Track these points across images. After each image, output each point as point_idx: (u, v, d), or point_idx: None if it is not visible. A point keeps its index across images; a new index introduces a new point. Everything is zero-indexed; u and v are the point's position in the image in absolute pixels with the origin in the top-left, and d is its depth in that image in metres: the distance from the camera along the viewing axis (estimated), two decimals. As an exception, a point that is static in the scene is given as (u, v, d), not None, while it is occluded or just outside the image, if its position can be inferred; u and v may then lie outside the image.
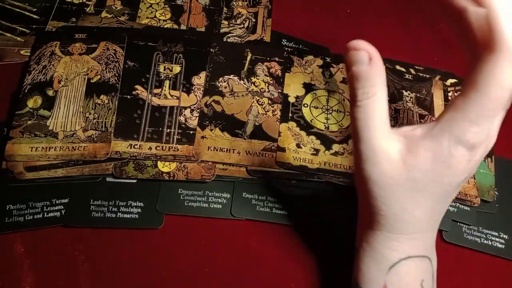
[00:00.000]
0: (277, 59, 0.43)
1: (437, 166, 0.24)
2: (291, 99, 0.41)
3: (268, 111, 0.40)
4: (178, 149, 0.37)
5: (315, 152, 0.38)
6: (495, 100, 0.22)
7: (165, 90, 0.40)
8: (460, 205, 0.38)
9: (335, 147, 0.39)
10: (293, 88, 0.41)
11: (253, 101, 0.40)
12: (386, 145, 0.24)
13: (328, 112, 0.41)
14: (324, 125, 0.40)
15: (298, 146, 0.38)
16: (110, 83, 0.39)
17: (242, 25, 0.46)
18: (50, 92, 0.38)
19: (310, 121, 0.40)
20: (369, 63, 0.23)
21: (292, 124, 0.39)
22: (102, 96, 0.39)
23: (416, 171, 0.24)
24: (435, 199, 0.25)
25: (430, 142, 0.24)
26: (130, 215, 0.36)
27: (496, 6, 0.21)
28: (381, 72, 0.24)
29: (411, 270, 0.27)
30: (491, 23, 0.21)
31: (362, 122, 0.24)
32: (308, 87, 0.42)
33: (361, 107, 0.24)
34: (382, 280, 0.27)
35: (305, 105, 0.41)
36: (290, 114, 0.40)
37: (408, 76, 0.44)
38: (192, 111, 0.39)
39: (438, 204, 0.26)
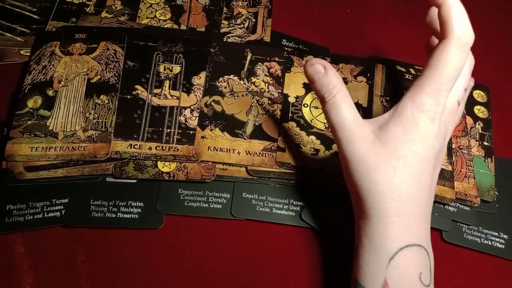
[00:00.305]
0: (277, 59, 0.43)
1: (408, 135, 0.27)
2: (291, 99, 0.41)
3: (268, 111, 0.40)
4: (178, 149, 0.37)
5: (315, 152, 0.38)
6: (445, 76, 0.27)
7: (165, 90, 0.40)
8: (460, 205, 0.39)
9: (335, 147, 0.39)
10: (293, 88, 0.41)
11: (253, 101, 0.40)
12: (360, 127, 0.29)
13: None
14: (324, 125, 0.40)
15: (298, 146, 0.38)
16: (110, 83, 0.39)
17: (242, 25, 0.46)
18: (50, 92, 0.38)
19: (310, 121, 0.40)
20: (325, 71, 0.29)
21: (292, 124, 0.39)
22: (102, 96, 0.39)
23: (391, 143, 0.28)
24: (414, 171, 0.28)
25: (397, 117, 0.28)
26: (130, 215, 0.36)
27: (450, 3, 0.27)
28: (336, 75, 0.29)
29: (410, 263, 0.27)
30: (445, 16, 0.27)
31: (334, 114, 0.29)
32: (308, 87, 0.42)
33: (330, 104, 0.29)
34: (383, 275, 0.27)
35: (305, 105, 0.41)
36: (290, 114, 0.40)
37: (408, 76, 0.44)
38: (192, 111, 0.39)
39: (420, 179, 0.28)
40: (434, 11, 0.32)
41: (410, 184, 0.27)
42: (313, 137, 0.39)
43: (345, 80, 0.42)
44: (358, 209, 0.29)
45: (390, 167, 0.27)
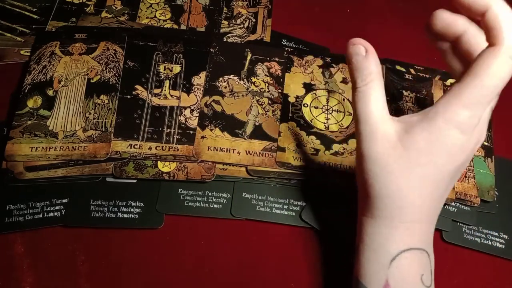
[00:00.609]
0: (277, 59, 0.43)
1: (432, 145, 0.25)
2: (291, 99, 0.41)
3: (268, 111, 0.40)
4: (178, 149, 0.37)
5: (315, 152, 0.38)
6: (489, 87, 0.24)
7: (165, 90, 0.40)
8: (460, 205, 0.38)
9: (335, 147, 0.39)
10: (293, 88, 0.41)
11: (253, 101, 0.40)
12: (384, 125, 0.26)
13: (328, 112, 0.41)
14: (324, 125, 0.40)
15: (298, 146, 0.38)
16: (110, 83, 0.39)
17: (242, 25, 0.46)
18: (50, 92, 0.38)
19: (310, 121, 0.40)
20: (366, 54, 0.27)
21: (292, 124, 0.39)
22: (102, 96, 0.39)
23: (412, 150, 0.26)
24: (430, 182, 0.26)
25: (426, 123, 0.26)
26: (130, 215, 0.36)
27: (499, 8, 0.24)
28: (376, 62, 0.27)
29: (411, 264, 0.27)
30: (493, 22, 0.24)
31: (362, 104, 0.27)
32: (308, 87, 0.42)
33: (360, 92, 0.27)
34: (384, 275, 0.27)
35: (305, 105, 0.41)
36: (290, 114, 0.40)
37: (408, 76, 0.44)
38: (192, 111, 0.39)
39: (433, 190, 0.27)
40: (444, 15, 0.28)
41: (422, 194, 0.26)
42: (313, 137, 0.39)
43: (346, 80, 0.42)
44: (364, 207, 0.29)
45: (405, 174, 0.26)
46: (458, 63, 0.30)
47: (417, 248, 0.27)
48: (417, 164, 0.26)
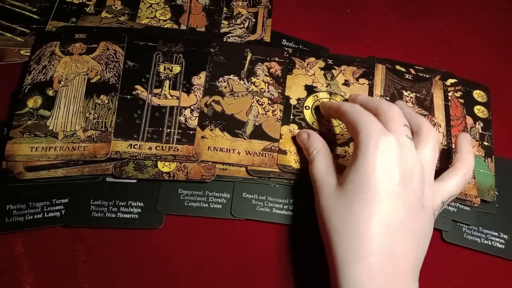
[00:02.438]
0: (277, 59, 0.43)
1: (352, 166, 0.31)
2: (293, 102, 0.41)
3: (268, 111, 0.40)
4: (178, 149, 0.37)
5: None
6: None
7: (165, 90, 0.40)
8: (460, 205, 0.39)
9: (337, 150, 0.39)
10: (294, 90, 0.41)
11: (253, 101, 0.40)
12: (328, 178, 0.33)
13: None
14: (326, 127, 0.40)
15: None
16: (110, 83, 0.39)
17: (242, 25, 0.46)
18: (50, 92, 0.38)
19: (312, 123, 0.40)
20: (308, 137, 0.37)
21: (293, 126, 0.39)
22: (102, 96, 0.39)
23: (345, 187, 0.31)
24: (365, 210, 0.29)
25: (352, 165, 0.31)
26: (130, 215, 0.36)
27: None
28: (317, 139, 0.36)
29: None
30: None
31: (312, 167, 0.35)
32: (310, 89, 0.42)
33: (311, 160, 0.35)
34: None
35: (307, 108, 0.41)
36: (291, 117, 0.40)
37: (408, 76, 0.44)
38: (192, 111, 0.39)
39: (376, 226, 0.29)
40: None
41: (374, 228, 0.28)
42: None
43: (347, 83, 0.42)
44: (332, 255, 0.30)
45: (347, 206, 0.30)
46: None
47: None
48: (352, 195, 0.30)
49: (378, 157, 0.29)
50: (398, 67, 0.45)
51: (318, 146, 0.36)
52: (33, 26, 0.43)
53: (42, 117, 0.37)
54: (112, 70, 0.40)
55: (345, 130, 0.40)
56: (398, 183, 0.29)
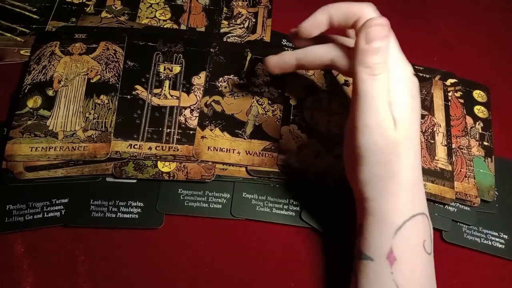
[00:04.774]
0: (277, 59, 0.43)
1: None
2: (293, 102, 0.41)
3: (268, 111, 0.40)
4: (178, 149, 0.37)
5: (316, 155, 0.38)
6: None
7: (165, 90, 0.40)
8: (460, 205, 0.39)
9: (337, 150, 0.39)
10: (294, 90, 0.41)
11: (253, 101, 0.40)
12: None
13: (330, 115, 0.41)
14: (325, 128, 0.40)
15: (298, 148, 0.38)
16: (110, 83, 0.39)
17: (242, 25, 0.46)
18: (50, 92, 0.38)
19: (312, 124, 0.40)
20: (386, 38, 0.28)
21: (293, 126, 0.39)
22: (102, 96, 0.39)
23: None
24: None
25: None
26: (130, 215, 0.36)
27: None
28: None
29: (414, 232, 0.28)
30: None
31: (373, 92, 0.27)
32: (310, 90, 0.41)
33: (374, 79, 0.27)
34: (389, 244, 0.28)
35: (307, 108, 0.41)
36: (291, 117, 0.40)
37: (408, 76, 0.44)
38: (192, 111, 0.39)
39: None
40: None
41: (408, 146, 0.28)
42: (314, 140, 0.39)
43: (347, 83, 0.42)
44: (362, 191, 0.29)
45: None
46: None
47: (419, 213, 0.28)
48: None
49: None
50: (398, 67, 0.45)
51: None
52: (33, 26, 0.43)
53: (42, 117, 0.37)
54: (112, 70, 0.40)
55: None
56: None
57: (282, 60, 0.33)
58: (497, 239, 0.38)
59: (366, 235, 0.29)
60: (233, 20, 0.46)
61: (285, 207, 0.37)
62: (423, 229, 0.28)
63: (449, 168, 0.39)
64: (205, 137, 0.38)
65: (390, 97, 0.27)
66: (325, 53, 0.31)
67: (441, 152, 0.40)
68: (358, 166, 0.28)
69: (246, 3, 0.48)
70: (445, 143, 0.40)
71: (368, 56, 0.27)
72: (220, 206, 0.37)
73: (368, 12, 0.29)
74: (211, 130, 0.38)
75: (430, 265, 0.29)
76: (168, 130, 0.38)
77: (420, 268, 0.28)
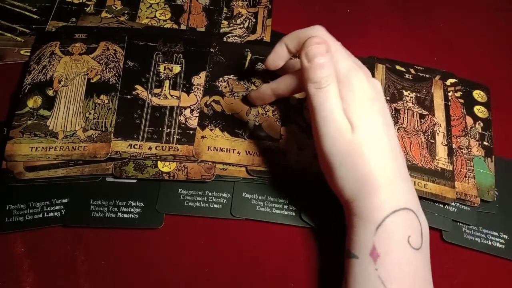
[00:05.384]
0: (277, 59, 0.43)
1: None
2: (293, 102, 0.41)
3: (268, 111, 0.40)
4: (178, 149, 0.37)
5: (316, 155, 0.38)
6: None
7: (165, 90, 0.40)
8: (460, 205, 0.39)
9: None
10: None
11: (253, 101, 0.40)
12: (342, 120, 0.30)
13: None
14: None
15: (299, 149, 0.38)
16: (110, 83, 0.39)
17: (242, 25, 0.46)
18: (50, 92, 0.38)
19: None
20: (327, 53, 0.30)
21: (293, 126, 0.39)
22: (102, 96, 0.39)
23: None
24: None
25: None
26: (130, 215, 0.36)
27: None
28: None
29: (396, 227, 0.28)
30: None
31: (325, 104, 0.30)
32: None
33: (323, 91, 0.29)
34: (371, 242, 0.28)
35: (307, 108, 0.41)
36: (291, 117, 0.40)
37: (408, 76, 0.44)
38: (192, 111, 0.39)
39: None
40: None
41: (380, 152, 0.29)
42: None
43: None
44: (345, 194, 0.30)
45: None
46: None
47: (402, 208, 0.28)
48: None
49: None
50: (398, 67, 0.45)
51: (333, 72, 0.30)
52: (33, 26, 0.43)
53: (42, 117, 0.37)
54: (112, 70, 0.40)
55: None
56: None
57: (260, 93, 0.37)
58: (497, 239, 0.38)
59: (352, 234, 0.30)
60: (233, 20, 0.47)
61: (285, 207, 0.37)
62: (407, 224, 0.28)
63: (450, 168, 0.39)
64: (205, 137, 0.38)
65: (344, 103, 0.29)
66: (294, 79, 0.34)
67: (441, 152, 0.40)
68: (331, 172, 0.30)
69: (246, 3, 0.48)
70: (446, 143, 0.40)
71: (312, 72, 0.29)
72: (220, 206, 0.37)
73: (315, 33, 0.31)
74: (211, 130, 0.38)
75: (420, 261, 0.28)
76: (168, 130, 0.38)
77: (405, 264, 0.28)
